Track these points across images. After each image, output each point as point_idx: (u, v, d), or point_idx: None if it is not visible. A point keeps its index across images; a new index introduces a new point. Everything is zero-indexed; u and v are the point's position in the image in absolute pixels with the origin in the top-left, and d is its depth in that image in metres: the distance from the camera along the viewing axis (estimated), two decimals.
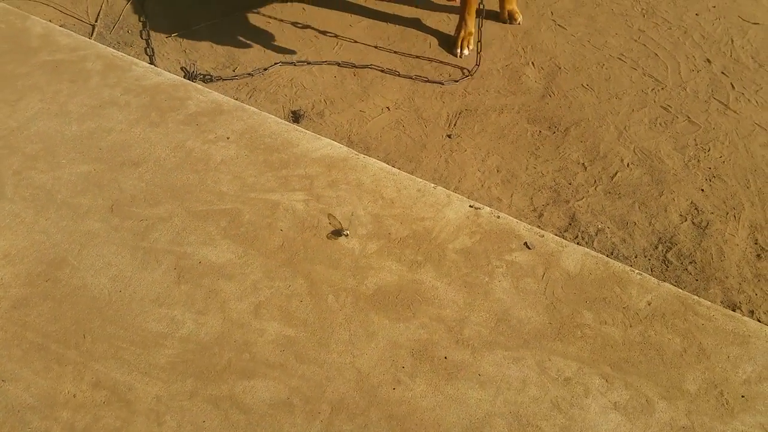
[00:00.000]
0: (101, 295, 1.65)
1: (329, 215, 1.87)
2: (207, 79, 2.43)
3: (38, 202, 1.86)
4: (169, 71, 2.38)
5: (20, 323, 1.59)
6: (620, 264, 1.82)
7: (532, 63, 2.56)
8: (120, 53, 2.36)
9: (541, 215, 2.06)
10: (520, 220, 1.97)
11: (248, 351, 1.57)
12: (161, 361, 1.55)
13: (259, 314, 1.64)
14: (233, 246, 1.78)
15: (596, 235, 2.02)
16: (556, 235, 1.96)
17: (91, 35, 2.62)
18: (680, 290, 1.77)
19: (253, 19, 2.72)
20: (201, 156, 2.02)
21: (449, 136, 2.29)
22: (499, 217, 1.90)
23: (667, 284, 1.77)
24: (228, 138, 2.08)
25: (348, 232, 1.82)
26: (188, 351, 1.57)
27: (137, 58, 2.42)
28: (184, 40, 2.62)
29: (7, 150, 2.00)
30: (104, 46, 2.38)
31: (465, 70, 2.51)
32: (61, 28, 2.46)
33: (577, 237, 2.01)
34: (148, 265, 1.72)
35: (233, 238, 1.80)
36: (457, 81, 2.46)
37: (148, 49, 2.56)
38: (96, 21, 2.70)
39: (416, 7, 2.79)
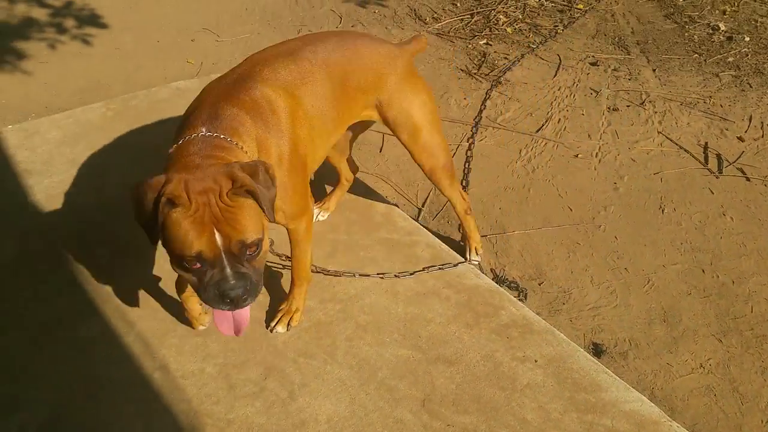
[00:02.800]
0: None
1: None
2: (512, 287, 2.56)
3: (362, 375, 2.06)
4: (483, 272, 2.56)
5: None
6: None
7: None
8: (446, 247, 2.62)
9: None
10: None
11: None
12: None
13: None
14: None
15: None
16: None
17: (417, 218, 2.98)
18: None
19: (564, 238, 2.84)
20: (508, 373, 2.07)
21: None
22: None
23: None
24: (536, 361, 2.11)
25: None
26: None
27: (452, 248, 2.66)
28: (497, 242, 2.83)
29: (343, 315, 2.29)
30: (434, 237, 2.68)
31: None
32: (399, 210, 2.84)
33: None
34: None
35: None
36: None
37: (462, 242, 2.81)
38: (423, 206, 3.07)
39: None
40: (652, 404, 2.00)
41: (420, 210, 3.05)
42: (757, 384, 2.18)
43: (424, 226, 2.78)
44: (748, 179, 3.17)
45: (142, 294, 2.32)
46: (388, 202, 2.88)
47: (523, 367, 2.10)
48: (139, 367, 2.06)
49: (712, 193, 3.08)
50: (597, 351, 2.32)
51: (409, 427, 1.89)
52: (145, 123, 3.35)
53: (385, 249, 2.60)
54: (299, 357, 2.12)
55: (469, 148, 3.39)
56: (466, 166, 3.28)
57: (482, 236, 2.87)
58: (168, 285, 2.34)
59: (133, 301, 2.30)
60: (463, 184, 3.17)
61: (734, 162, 3.26)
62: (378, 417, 1.92)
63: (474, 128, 3.54)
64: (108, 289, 2.36)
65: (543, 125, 3.55)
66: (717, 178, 3.16)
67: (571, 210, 2.99)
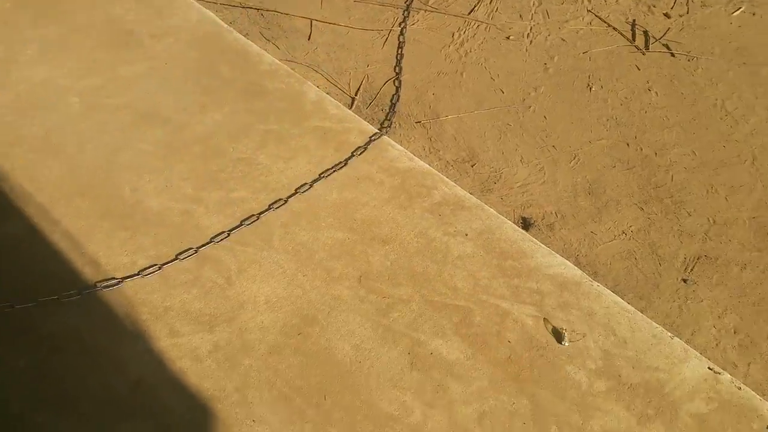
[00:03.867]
0: (343, 361, 1.79)
1: (545, 319, 1.90)
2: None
3: (299, 258, 2.08)
4: (418, 156, 2.57)
5: (273, 369, 1.77)
6: None
7: None
8: (380, 133, 2.60)
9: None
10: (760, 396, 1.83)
11: None
12: None
13: (482, 424, 1.67)
14: (463, 345, 1.85)
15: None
16: None
17: (351, 107, 2.92)
18: None
19: (496, 120, 2.86)
20: (440, 247, 2.14)
21: (684, 281, 2.21)
22: (740, 388, 1.78)
23: None
24: (466, 235, 2.18)
25: (567, 341, 1.83)
26: None
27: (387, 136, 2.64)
28: (431, 128, 2.83)
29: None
30: (367, 123, 2.64)
31: None
32: (330, 98, 2.76)
33: None
34: (386, 343, 1.84)
35: (463, 337, 1.87)
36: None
37: (386, 121, 2.79)
38: (356, 95, 3.00)
39: None
40: (575, 267, 2.12)
41: (353, 99, 2.98)
42: (674, 246, 2.34)
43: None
44: (672, 55, 3.23)
45: (64, 192, 2.22)
46: (320, 92, 2.80)
47: (454, 241, 2.16)
48: (68, 261, 2.00)
49: (639, 70, 3.13)
50: (526, 224, 2.41)
51: (346, 302, 1.95)
52: (49, 14, 3.06)
53: (317, 137, 2.56)
54: (235, 245, 2.11)
55: (401, 33, 3.29)
56: (399, 52, 3.19)
57: (416, 122, 2.86)
58: (91, 180, 2.25)
59: (54, 200, 2.19)
60: (396, 71, 3.10)
61: (660, 38, 3.30)
62: (316, 295, 1.97)
63: (405, 12, 3.42)
64: (27, 189, 2.24)
65: (475, 6, 3.46)
66: (643, 54, 3.20)
67: (503, 92, 2.99)
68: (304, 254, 2.09)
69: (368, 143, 2.49)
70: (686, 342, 2.00)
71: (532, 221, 2.43)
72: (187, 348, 1.80)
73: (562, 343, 1.85)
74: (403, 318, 1.91)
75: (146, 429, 1.68)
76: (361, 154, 2.44)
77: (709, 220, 2.42)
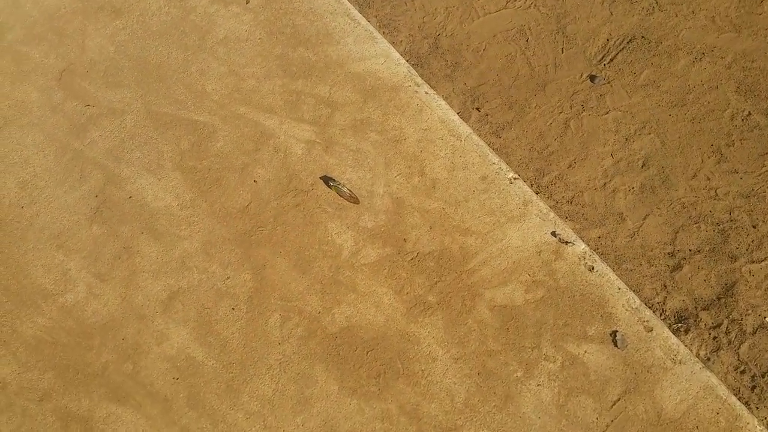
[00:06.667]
0: (1, 203, 1.24)
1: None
2: None
3: None
4: None
5: None
6: (752, 417, 1.05)
7: None
8: None
9: (677, 267, 1.24)
10: (637, 266, 1.20)
11: (134, 361, 1.11)
12: (28, 332, 1.14)
13: (170, 308, 1.15)
14: (182, 185, 1.23)
15: (754, 333, 1.20)
16: (682, 316, 1.18)
17: None
18: None
19: None
20: (201, 22, 1.38)
21: (592, 78, 1.41)
22: (592, 268, 1.14)
23: None
24: (247, 2, 1.39)
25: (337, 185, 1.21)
26: (64, 329, 1.14)
27: None
28: None
29: None
30: None
31: None
32: None
33: (719, 325, 1.20)
34: (69, 178, 1.25)
35: (187, 173, 1.24)
36: None
37: None
38: None
39: None
40: (401, 60, 1.34)
41: None
42: (596, 20, 1.47)
43: None
44: None
45: None
46: None
47: (224, 12, 1.39)
48: None
49: None
50: None
51: (31, 112, 1.31)
52: None
53: None
54: None
55: None
56: None
57: None
58: None
59: None
60: None
61: None
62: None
63: None
64: None
65: None
66: None
67: None
68: None
69: None
70: (555, 179, 1.29)
71: None
72: None
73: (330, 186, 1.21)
74: (105, 139, 1.28)
75: None
76: None
77: None
